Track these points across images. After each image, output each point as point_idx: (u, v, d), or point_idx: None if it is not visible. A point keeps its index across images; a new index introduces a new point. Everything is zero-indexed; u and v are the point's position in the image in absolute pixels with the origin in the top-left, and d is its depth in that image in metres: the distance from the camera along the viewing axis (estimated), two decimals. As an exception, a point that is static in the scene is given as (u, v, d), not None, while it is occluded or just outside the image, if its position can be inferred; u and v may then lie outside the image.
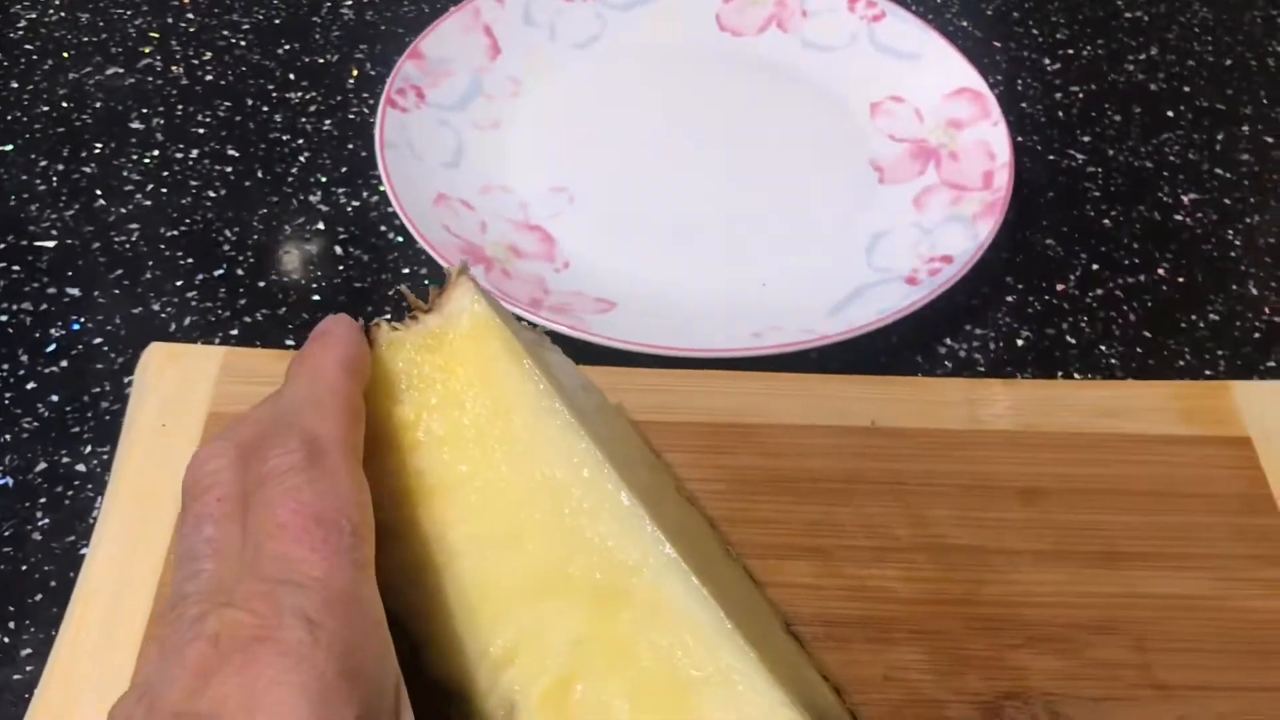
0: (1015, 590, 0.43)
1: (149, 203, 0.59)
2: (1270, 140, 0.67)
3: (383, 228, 0.58)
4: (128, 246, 0.57)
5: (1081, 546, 0.45)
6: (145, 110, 0.64)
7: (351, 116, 0.64)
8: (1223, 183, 0.64)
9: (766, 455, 0.47)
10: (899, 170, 0.61)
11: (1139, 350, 0.56)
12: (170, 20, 0.69)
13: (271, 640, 0.27)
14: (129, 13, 0.70)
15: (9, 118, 0.63)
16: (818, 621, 0.42)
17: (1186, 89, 0.70)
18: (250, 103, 0.65)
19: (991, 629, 0.42)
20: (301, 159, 0.62)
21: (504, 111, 0.63)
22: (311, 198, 0.60)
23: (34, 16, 0.69)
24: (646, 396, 0.48)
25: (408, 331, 0.36)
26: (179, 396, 0.47)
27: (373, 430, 0.34)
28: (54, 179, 0.60)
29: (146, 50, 0.67)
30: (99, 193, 0.59)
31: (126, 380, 0.51)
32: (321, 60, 0.67)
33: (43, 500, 0.47)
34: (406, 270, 0.57)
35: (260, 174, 0.61)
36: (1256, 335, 0.56)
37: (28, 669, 0.42)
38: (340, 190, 0.60)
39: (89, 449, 0.49)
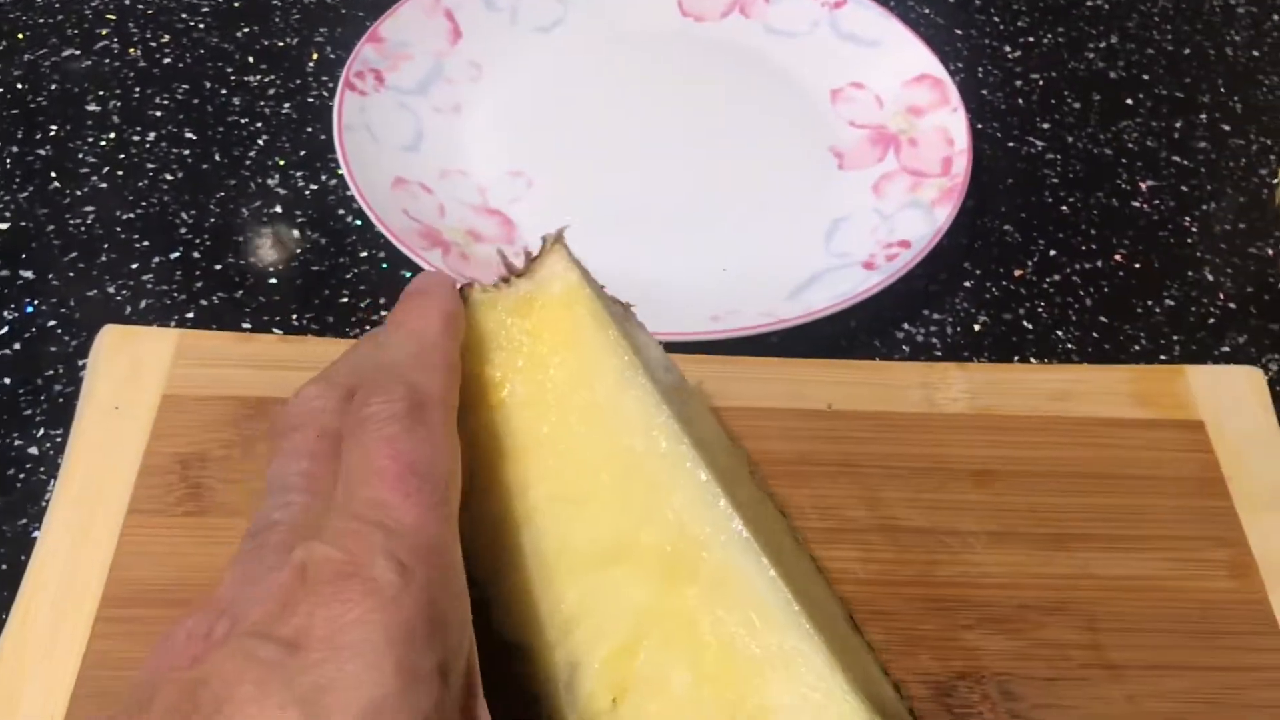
0: (968, 571, 0.44)
1: (105, 185, 0.58)
2: (1227, 129, 0.67)
3: (340, 211, 0.58)
4: (83, 229, 0.56)
5: (1034, 528, 0.45)
6: (102, 93, 0.63)
7: (311, 100, 0.64)
8: (1180, 170, 0.64)
9: (723, 438, 0.47)
10: (859, 156, 0.61)
11: (1095, 335, 0.56)
12: (128, 2, 0.68)
13: (360, 578, 0.27)
14: (86, -6, 0.69)
15: (-38, 99, 0.62)
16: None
17: (1145, 77, 0.70)
18: (209, 86, 0.64)
19: (944, 609, 0.43)
20: (260, 142, 0.61)
21: (464, 95, 0.63)
22: (269, 181, 0.59)
23: (-11, -3, 0.68)
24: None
25: (499, 294, 0.37)
26: (133, 379, 0.47)
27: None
28: (8, 161, 0.59)
29: (103, 32, 0.67)
30: (54, 175, 0.58)
31: (80, 363, 0.50)
32: (281, 43, 0.67)
33: (-6, 483, 0.46)
34: (365, 254, 0.56)
35: (218, 157, 0.60)
36: (1211, 321, 0.57)
37: (-23, 653, 0.42)
38: (298, 174, 0.60)
39: (41, 432, 0.48)
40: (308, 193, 0.59)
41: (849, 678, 0.31)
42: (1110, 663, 0.42)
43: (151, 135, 0.61)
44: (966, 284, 0.58)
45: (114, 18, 0.67)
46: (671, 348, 0.49)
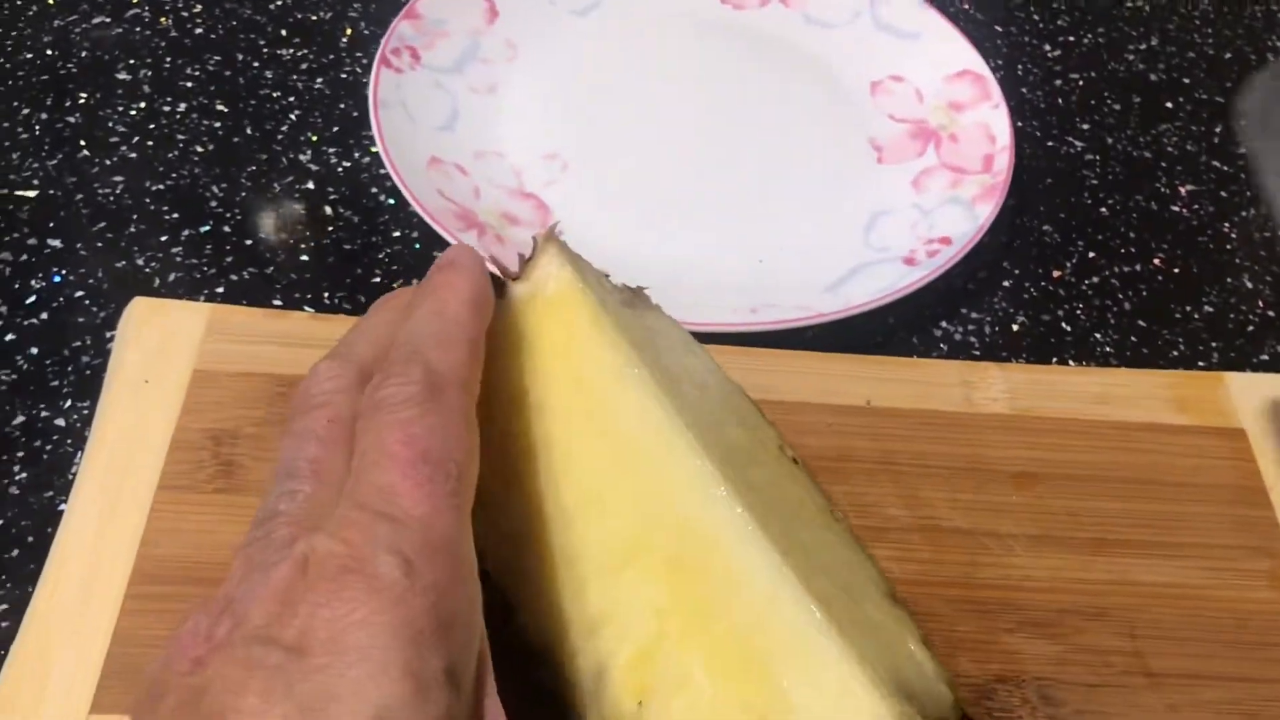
0: (1009, 574, 0.43)
1: (134, 155, 0.58)
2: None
3: (374, 189, 0.57)
4: (112, 199, 0.55)
5: (1074, 532, 0.45)
6: (132, 61, 0.62)
7: (344, 76, 0.63)
8: (1220, 175, 0.64)
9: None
10: (898, 150, 0.61)
11: (1133, 339, 0.55)
12: (159, -29, 0.68)
13: (362, 574, 0.26)
14: (117, -38, 0.68)
15: (-9, 64, 0.61)
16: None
17: (1186, 80, 0.69)
18: (240, 58, 0.63)
19: (984, 612, 0.42)
20: (292, 117, 0.60)
21: (500, 76, 0.62)
22: (301, 156, 0.59)
23: (19, -39, 0.67)
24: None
25: (500, 300, 0.36)
26: (162, 353, 0.46)
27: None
28: (36, 128, 0.58)
29: (135, 0, 0.66)
30: (83, 143, 0.58)
31: (108, 334, 0.50)
32: (315, 17, 0.66)
33: (20, 454, 0.46)
34: (397, 233, 0.56)
35: (249, 130, 0.59)
36: (1250, 328, 0.56)
37: (3, 624, 0.41)
38: (331, 150, 0.59)
39: (68, 403, 0.48)
40: (340, 170, 0.58)
41: (867, 666, 0.30)
42: (1150, 670, 0.41)
43: (182, 106, 0.60)
44: (1005, 283, 0.57)
45: (145, -14, 0.67)
46: (706, 339, 0.48)
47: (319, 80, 0.62)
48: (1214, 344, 0.56)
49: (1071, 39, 0.71)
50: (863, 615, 0.35)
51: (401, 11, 0.61)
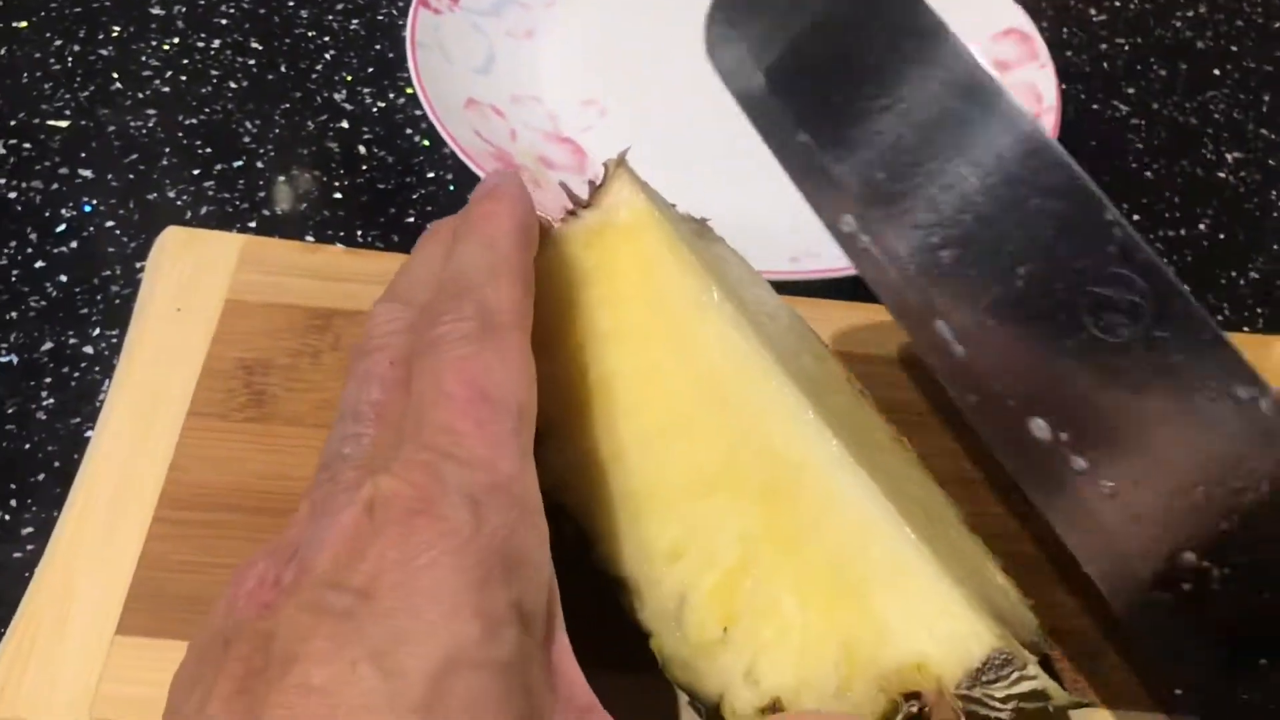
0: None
1: (167, 89, 0.57)
2: (1316, 105, 0.65)
3: (408, 130, 0.57)
4: (144, 132, 0.55)
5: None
6: (167, -3, 0.62)
7: (380, 17, 0.62)
8: (1267, 144, 0.63)
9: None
10: (941, 107, 0.60)
11: (1177, 304, 0.54)
12: (195, -92, 0.67)
13: (430, 515, 0.26)
14: (152, -102, 0.67)
15: (24, -6, 0.60)
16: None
17: (1234, 48, 0.68)
18: (275, -4, 0.63)
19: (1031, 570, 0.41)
20: (327, 56, 0.60)
21: (538, 20, 0.61)
22: (336, 95, 0.58)
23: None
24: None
25: (568, 227, 0.35)
26: (195, 282, 0.45)
27: (539, 328, 0.33)
28: (69, 59, 0.57)
29: (169, -63, 0.65)
30: (115, 76, 0.57)
31: (138, 265, 0.49)
32: (351, -41, 0.65)
33: (48, 380, 0.45)
34: (431, 174, 0.55)
35: (284, 69, 0.59)
36: (1297, 296, 0.55)
37: (28, 548, 0.41)
38: (366, 90, 0.58)
39: (97, 331, 0.47)
40: (375, 110, 0.57)
41: (962, 590, 0.30)
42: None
43: (216, 42, 0.59)
44: (1048, 243, 0.56)
45: (180, -77, 0.66)
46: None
47: (354, 21, 0.62)
48: (1260, 310, 0.54)
49: (1118, 3, 0.70)
50: (947, 540, 0.34)
51: (440, -47, 0.60)
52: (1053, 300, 0.27)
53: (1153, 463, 0.26)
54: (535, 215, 0.34)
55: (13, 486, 0.42)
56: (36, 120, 0.54)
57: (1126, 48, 0.67)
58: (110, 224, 0.51)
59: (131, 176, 0.53)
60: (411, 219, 0.53)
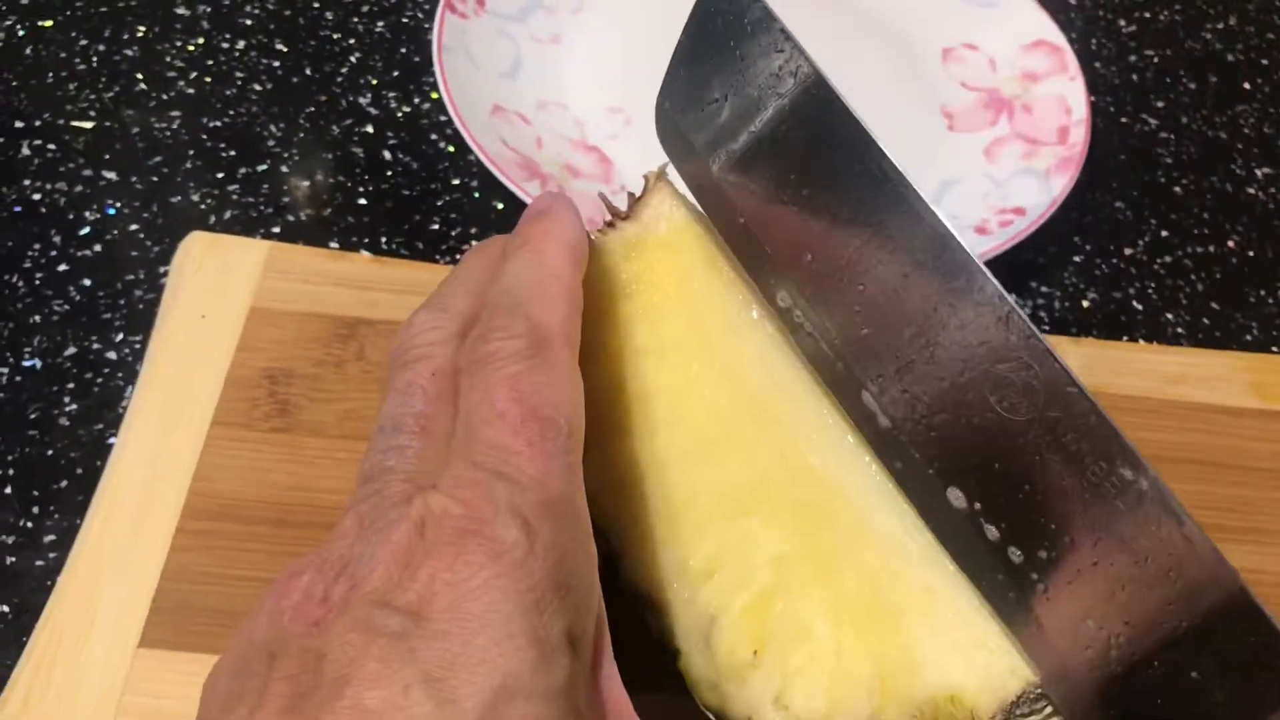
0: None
1: (191, 91, 0.56)
2: (1347, 120, 0.65)
3: (433, 136, 0.56)
4: (168, 134, 0.54)
5: (1147, 513, 0.43)
6: (191, -3, 0.61)
7: (405, 20, 0.62)
8: (1297, 159, 0.62)
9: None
10: (969, 119, 0.59)
11: (1205, 321, 0.54)
12: (220, -92, 0.67)
13: (482, 535, 0.25)
14: (177, -103, 0.67)
15: (49, -7, 0.60)
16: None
17: (1264, 61, 0.67)
18: (300, -2, 0.62)
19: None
20: (352, 59, 0.59)
21: (564, 26, 0.61)
22: (361, 99, 0.57)
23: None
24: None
25: (606, 239, 0.35)
26: (220, 288, 0.45)
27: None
28: (94, 59, 0.57)
29: (194, -64, 0.65)
30: (140, 77, 0.57)
31: (162, 269, 0.49)
32: (376, -39, 0.65)
33: (71, 385, 0.45)
34: (456, 181, 0.54)
35: (309, 71, 0.58)
36: (1327, 316, 0.55)
37: (50, 555, 0.40)
38: (391, 94, 0.58)
39: (120, 336, 0.47)
40: (400, 115, 0.57)
41: (998, 623, 0.29)
42: (1224, 658, 0.40)
43: (241, 44, 0.59)
44: (1076, 259, 0.55)
45: (206, -77, 0.66)
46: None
47: (380, 24, 0.61)
48: (1290, 330, 0.54)
49: (1148, 15, 0.69)
50: None
51: (467, -44, 0.60)
52: (959, 378, 0.28)
53: (1055, 537, 0.28)
54: (585, 235, 0.34)
55: (35, 493, 0.42)
56: (61, 121, 0.54)
57: (1156, 60, 0.67)
58: (134, 227, 0.50)
59: (155, 179, 0.52)
60: (436, 226, 0.52)
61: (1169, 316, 0.54)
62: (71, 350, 0.46)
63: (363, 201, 0.53)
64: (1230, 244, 0.57)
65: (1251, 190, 0.60)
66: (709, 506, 0.32)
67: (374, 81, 0.58)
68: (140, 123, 0.55)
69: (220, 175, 0.53)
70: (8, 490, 0.42)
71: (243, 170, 0.53)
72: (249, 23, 0.60)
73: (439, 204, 0.53)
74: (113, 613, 0.37)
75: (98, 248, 0.50)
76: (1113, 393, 0.47)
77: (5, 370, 0.45)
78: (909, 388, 0.30)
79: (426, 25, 0.60)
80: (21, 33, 0.57)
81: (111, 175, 0.52)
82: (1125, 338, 0.53)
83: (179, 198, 0.52)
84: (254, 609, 0.27)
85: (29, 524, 0.41)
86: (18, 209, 0.50)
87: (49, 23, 0.58)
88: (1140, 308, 0.54)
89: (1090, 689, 0.28)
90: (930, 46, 0.63)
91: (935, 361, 0.29)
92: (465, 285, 0.33)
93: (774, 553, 0.31)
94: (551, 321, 0.30)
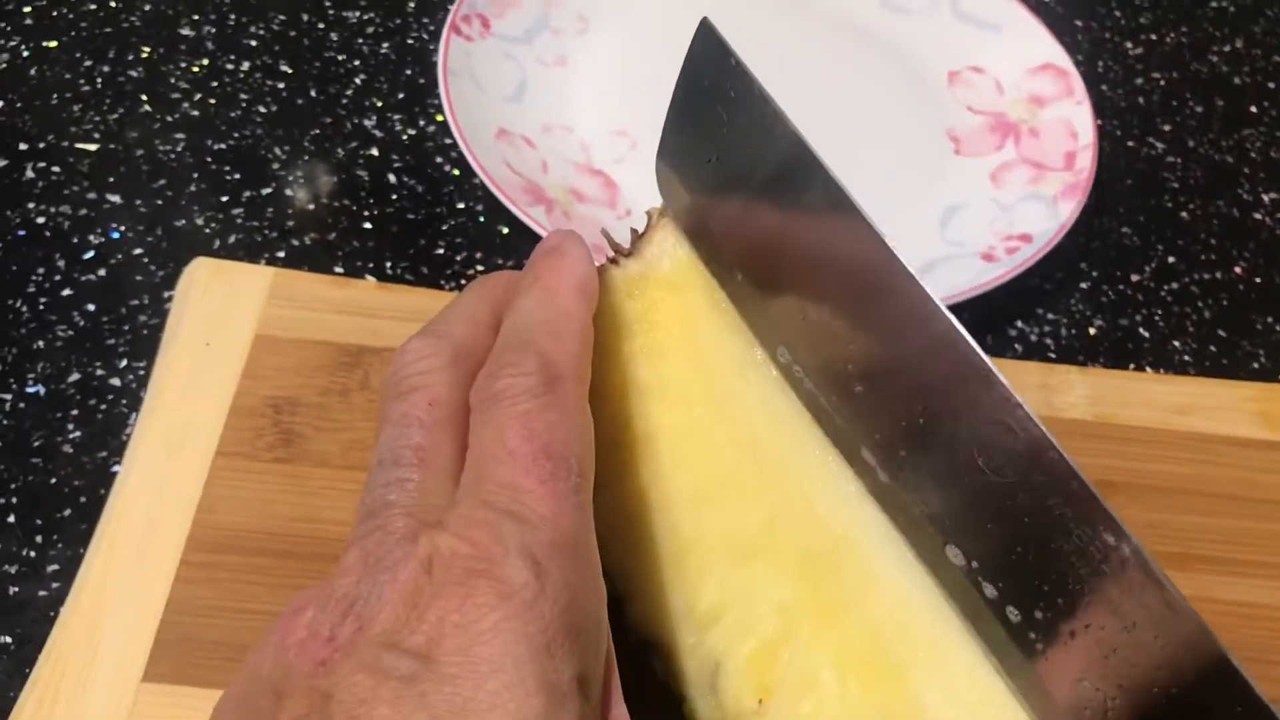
0: (1089, 586, 0.42)
1: (196, 113, 0.56)
2: (1354, 145, 0.64)
3: (439, 159, 0.56)
4: (173, 156, 0.54)
5: (1154, 546, 0.43)
6: (196, 17, 0.61)
7: (410, 42, 0.62)
8: (1304, 184, 0.62)
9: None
10: (976, 143, 0.59)
11: (1213, 349, 0.54)
12: (225, -73, 0.66)
13: (490, 577, 0.25)
14: (183, -84, 0.67)
15: (54, 14, 0.60)
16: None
17: (1271, 85, 0.67)
18: (305, 18, 0.62)
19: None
20: (357, 81, 0.59)
21: (570, 49, 0.61)
22: (366, 122, 0.57)
23: (84, -89, 0.66)
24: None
25: (609, 275, 0.35)
26: (224, 315, 0.45)
27: None
28: (98, 80, 0.57)
29: (199, -44, 0.65)
30: (144, 98, 0.57)
31: (166, 294, 0.49)
32: (381, -19, 0.65)
33: (74, 412, 0.45)
34: (461, 205, 0.54)
35: (313, 93, 0.58)
36: (1334, 343, 0.55)
37: (54, 585, 0.40)
38: (396, 117, 0.58)
39: (124, 362, 0.47)
40: (405, 137, 0.57)
41: (1004, 679, 0.29)
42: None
43: (245, 65, 0.59)
44: (1082, 285, 0.55)
45: (211, -58, 0.65)
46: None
47: (384, 45, 0.61)
48: (1298, 358, 0.54)
49: (1154, 37, 0.69)
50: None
51: (473, -22, 0.60)
52: (949, 440, 0.29)
53: (1049, 599, 0.28)
54: (595, 272, 0.34)
55: (38, 522, 0.42)
56: (65, 143, 0.54)
57: (1162, 83, 0.66)
58: (138, 251, 0.50)
59: (159, 202, 0.52)
60: (441, 250, 0.52)
61: (1176, 344, 0.54)
62: (75, 376, 0.46)
63: (367, 225, 0.53)
64: (1237, 270, 0.57)
65: (1258, 215, 0.60)
66: (714, 551, 0.32)
67: (379, 104, 0.58)
68: (144, 145, 0.54)
69: (225, 199, 0.53)
70: (11, 519, 0.42)
71: (247, 193, 0.53)
72: (254, 44, 0.60)
73: (444, 228, 0.53)
74: (116, 645, 0.37)
75: (102, 272, 0.49)
76: (1120, 423, 0.47)
77: (8, 396, 0.45)
78: (904, 449, 0.30)
79: (432, 47, 0.60)
80: (26, 54, 0.57)
81: (115, 198, 0.52)
82: (1132, 365, 0.52)
83: (183, 221, 0.52)
84: (259, 644, 0.27)
85: (32, 553, 0.41)
86: (21, 232, 0.50)
87: (54, 43, 0.58)
88: (1147, 335, 0.54)
89: None
90: (936, 69, 0.63)
91: (926, 425, 0.29)
92: (463, 314, 0.33)
93: (779, 599, 0.31)
94: (563, 359, 0.30)
